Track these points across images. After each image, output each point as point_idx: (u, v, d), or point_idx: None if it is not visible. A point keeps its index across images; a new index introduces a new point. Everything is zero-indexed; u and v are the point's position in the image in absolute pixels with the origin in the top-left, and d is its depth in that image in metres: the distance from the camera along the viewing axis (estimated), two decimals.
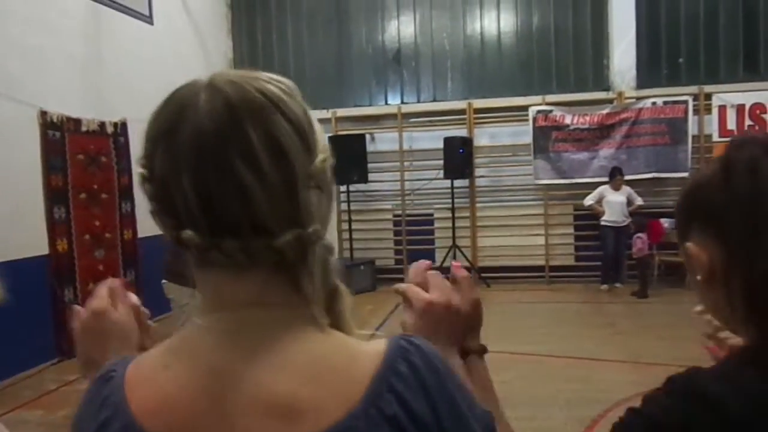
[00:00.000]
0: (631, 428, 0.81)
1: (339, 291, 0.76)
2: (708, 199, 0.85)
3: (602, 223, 8.59)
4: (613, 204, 8.52)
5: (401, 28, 10.05)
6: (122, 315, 0.93)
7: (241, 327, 0.68)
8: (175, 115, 0.66)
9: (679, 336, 6.04)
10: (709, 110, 8.93)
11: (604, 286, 8.74)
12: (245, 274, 0.68)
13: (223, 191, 0.64)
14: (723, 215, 0.83)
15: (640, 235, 8.30)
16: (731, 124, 8.85)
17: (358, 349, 0.70)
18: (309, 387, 0.65)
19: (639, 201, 8.59)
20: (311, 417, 0.64)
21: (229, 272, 0.68)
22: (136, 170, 0.70)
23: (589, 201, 8.71)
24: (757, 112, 8.79)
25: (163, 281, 4.67)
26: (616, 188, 8.55)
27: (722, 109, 8.88)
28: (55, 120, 6.41)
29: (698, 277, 0.86)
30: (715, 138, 8.87)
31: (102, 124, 7.12)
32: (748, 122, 8.80)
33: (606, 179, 8.66)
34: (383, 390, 0.66)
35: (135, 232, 7.58)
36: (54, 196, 6.38)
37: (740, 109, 8.81)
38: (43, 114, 6.26)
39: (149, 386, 0.68)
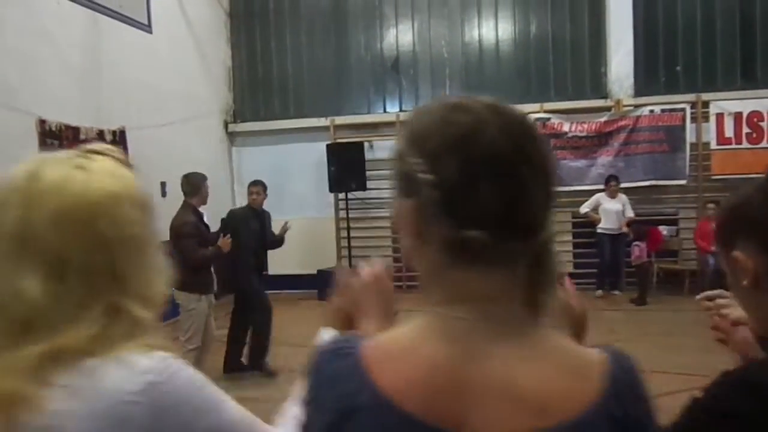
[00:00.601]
0: (692, 415, 0.94)
1: (557, 289, 0.82)
2: (750, 215, 0.99)
3: (599, 230, 8.59)
4: (609, 212, 8.52)
5: (399, 36, 10.08)
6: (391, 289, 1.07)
7: (490, 318, 0.75)
8: (468, 132, 0.75)
9: (678, 343, 6.06)
10: (706, 118, 8.94)
11: (599, 292, 8.74)
12: (492, 271, 0.75)
13: (517, 198, 0.74)
14: (763, 230, 0.96)
15: (638, 242, 8.30)
16: (729, 131, 8.87)
17: (585, 351, 0.79)
18: (553, 382, 0.73)
19: (630, 213, 8.53)
20: (550, 411, 0.71)
21: (477, 268, 0.74)
22: (422, 176, 0.75)
23: (585, 209, 8.71)
24: (755, 119, 8.81)
25: (173, 289, 5.04)
26: (612, 195, 8.55)
27: (720, 116, 8.89)
28: (53, 128, 6.40)
29: (744, 283, 0.98)
30: (713, 146, 8.90)
31: (101, 133, 7.12)
32: (745, 130, 8.83)
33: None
34: (612, 393, 0.74)
35: None
36: None
37: (738, 116, 8.83)
38: (42, 122, 6.26)
39: (398, 364, 0.74)
